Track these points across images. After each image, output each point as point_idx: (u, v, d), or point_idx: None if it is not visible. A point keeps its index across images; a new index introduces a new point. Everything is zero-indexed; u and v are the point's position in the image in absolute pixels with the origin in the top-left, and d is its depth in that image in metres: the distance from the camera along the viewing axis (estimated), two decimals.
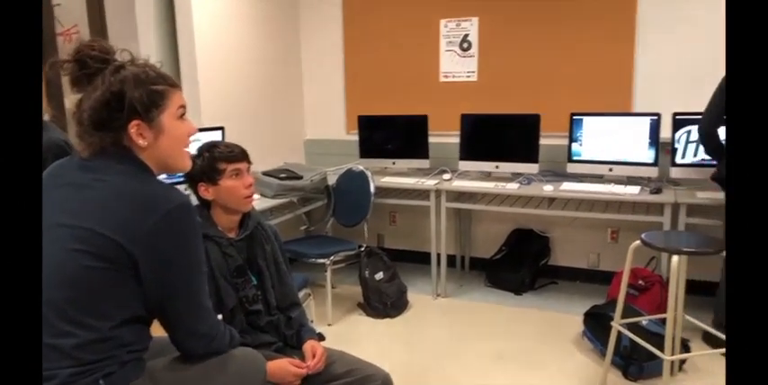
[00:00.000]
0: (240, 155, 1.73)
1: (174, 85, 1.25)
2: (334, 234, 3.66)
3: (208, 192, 1.69)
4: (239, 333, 1.52)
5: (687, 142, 3.11)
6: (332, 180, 3.54)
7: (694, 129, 3.05)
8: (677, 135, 3.10)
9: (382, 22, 3.91)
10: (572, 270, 3.69)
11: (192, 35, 3.18)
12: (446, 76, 3.82)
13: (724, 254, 2.18)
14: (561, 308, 3.27)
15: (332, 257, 3.12)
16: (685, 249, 2.16)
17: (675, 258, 2.14)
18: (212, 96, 3.34)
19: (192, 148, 1.39)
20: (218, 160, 1.69)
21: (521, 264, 3.57)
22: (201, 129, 3.01)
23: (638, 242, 2.30)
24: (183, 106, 1.26)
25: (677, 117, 3.09)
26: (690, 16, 3.20)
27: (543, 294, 3.52)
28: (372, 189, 3.31)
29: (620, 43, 3.37)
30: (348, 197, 3.46)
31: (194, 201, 1.73)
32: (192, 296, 1.20)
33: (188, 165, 1.29)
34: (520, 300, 3.44)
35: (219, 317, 1.42)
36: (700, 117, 2.76)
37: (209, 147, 1.72)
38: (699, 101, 2.93)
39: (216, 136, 3.04)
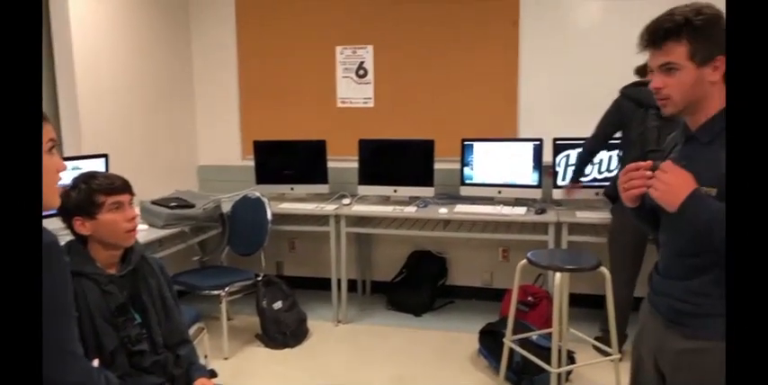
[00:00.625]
0: (121, 186, 1.63)
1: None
2: (230, 263, 3.53)
3: (84, 227, 1.57)
4: (121, 376, 1.41)
5: (567, 165, 3.36)
6: (226, 208, 3.43)
7: (573, 153, 3.31)
8: (558, 159, 3.34)
9: (278, 48, 3.90)
10: (468, 289, 3.82)
11: (70, 61, 2.98)
12: (344, 102, 3.87)
13: (602, 269, 2.35)
14: (459, 326, 3.36)
15: (227, 288, 3.01)
16: (567, 267, 2.31)
17: (558, 275, 2.29)
18: (95, 123, 3.14)
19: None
20: (95, 192, 1.57)
21: (420, 285, 3.64)
22: (81, 157, 2.82)
23: (524, 261, 2.43)
24: (53, 139, 1.17)
25: (557, 142, 3.34)
26: (567, 50, 3.48)
27: (442, 314, 3.61)
28: (270, 216, 3.25)
29: (506, 74, 3.60)
30: (244, 225, 3.37)
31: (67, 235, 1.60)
32: (58, 344, 1.10)
33: (56, 202, 1.20)
34: (420, 322, 3.50)
35: (96, 362, 1.31)
36: (579, 141, 3.07)
37: (85, 179, 1.61)
38: (576, 127, 3.20)
39: (98, 164, 2.86)
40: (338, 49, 3.83)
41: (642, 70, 2.82)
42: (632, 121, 2.73)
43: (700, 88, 1.23)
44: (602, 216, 3.04)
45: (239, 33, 3.96)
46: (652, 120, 2.66)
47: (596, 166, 3.29)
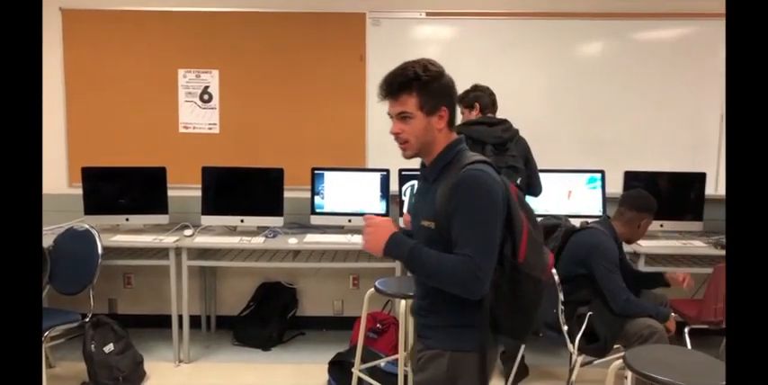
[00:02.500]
0: None
1: None
2: (52, 304, 3.13)
3: None
4: None
5: (411, 194, 3.51)
6: (48, 241, 3.05)
7: (416, 183, 3.48)
8: (403, 188, 3.49)
9: (112, 70, 3.62)
10: (319, 319, 3.78)
11: None
12: (186, 128, 3.68)
13: None
14: (309, 358, 3.30)
15: (47, 333, 2.66)
16: (411, 294, 2.39)
17: (403, 302, 2.35)
18: None
19: None
20: None
21: (268, 318, 3.53)
22: None
23: (372, 290, 2.47)
24: None
25: (402, 172, 3.48)
26: None
27: (292, 347, 3.52)
28: (100, 249, 2.95)
29: (354, 105, 3.70)
30: (69, 260, 3.01)
31: None
32: None
33: None
34: (268, 356, 3.38)
35: None
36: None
37: None
38: (418, 159, 3.36)
39: None
40: (181, 72, 3.66)
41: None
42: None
43: (430, 134, 1.45)
44: None
45: (66, 55, 3.61)
46: (490, 155, 2.86)
47: None
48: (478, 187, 1.36)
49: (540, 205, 3.49)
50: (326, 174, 3.51)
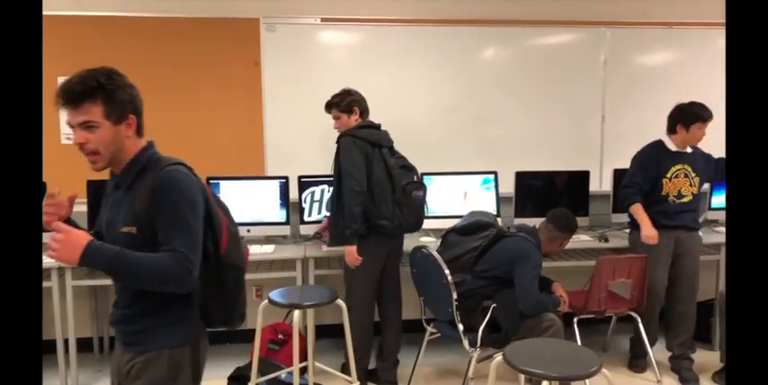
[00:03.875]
0: None
1: None
2: None
3: None
4: None
5: (312, 202, 3.49)
6: None
7: (317, 189, 3.46)
8: (303, 195, 3.46)
9: None
10: (221, 332, 3.64)
11: None
12: (69, 138, 3.46)
13: (338, 302, 2.46)
14: (209, 374, 3.16)
15: None
16: (305, 304, 2.37)
17: (296, 312, 2.33)
18: None
19: None
20: None
21: None
22: None
23: (266, 301, 2.43)
24: None
25: (302, 179, 3.45)
26: (309, 90, 3.64)
27: None
28: None
29: (251, 112, 3.62)
30: None
31: None
32: None
33: None
34: None
35: None
36: (324, 178, 3.19)
37: None
38: (319, 165, 3.36)
39: None
40: (60, 80, 3.43)
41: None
42: (373, 160, 2.86)
43: (119, 142, 1.46)
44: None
45: None
46: (388, 157, 2.91)
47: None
48: (179, 187, 1.42)
49: (438, 206, 3.58)
50: (222, 183, 3.42)
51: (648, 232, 3.02)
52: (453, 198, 3.61)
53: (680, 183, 3.14)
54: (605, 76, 3.87)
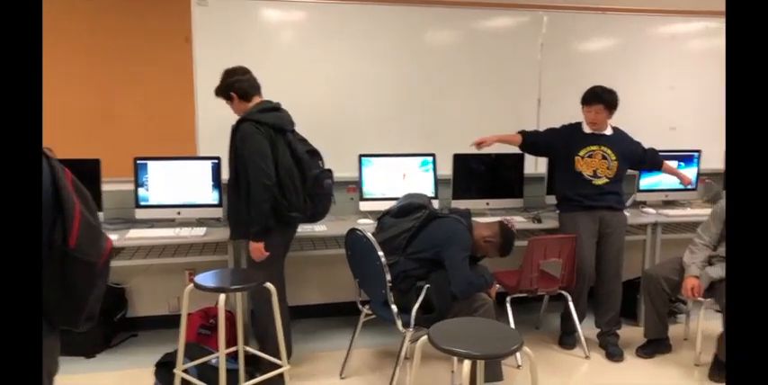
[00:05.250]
0: None
1: None
2: None
3: None
4: None
5: None
6: None
7: None
8: None
9: None
10: (153, 318, 3.55)
11: None
12: None
13: (268, 285, 2.41)
14: (138, 362, 3.08)
15: None
16: (232, 287, 2.31)
17: (222, 296, 2.27)
18: None
19: None
20: None
21: None
22: None
23: (191, 285, 2.35)
24: None
25: None
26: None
27: (121, 351, 3.27)
28: None
29: (181, 89, 3.47)
30: None
31: None
32: None
33: None
34: (93, 363, 3.10)
35: None
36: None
37: None
38: None
39: None
40: None
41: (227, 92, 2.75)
42: (279, 147, 2.66)
43: None
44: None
45: None
46: (294, 142, 2.71)
47: None
48: None
49: (377, 188, 3.56)
50: (150, 163, 3.28)
51: (488, 137, 3.32)
52: (392, 180, 3.59)
53: (595, 164, 3.24)
54: (542, 59, 3.92)
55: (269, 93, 2.92)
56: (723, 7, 4.15)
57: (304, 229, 3.23)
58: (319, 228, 3.26)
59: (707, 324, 3.15)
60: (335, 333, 3.54)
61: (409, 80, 3.75)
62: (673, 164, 3.92)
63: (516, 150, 3.80)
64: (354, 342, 2.99)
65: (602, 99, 3.19)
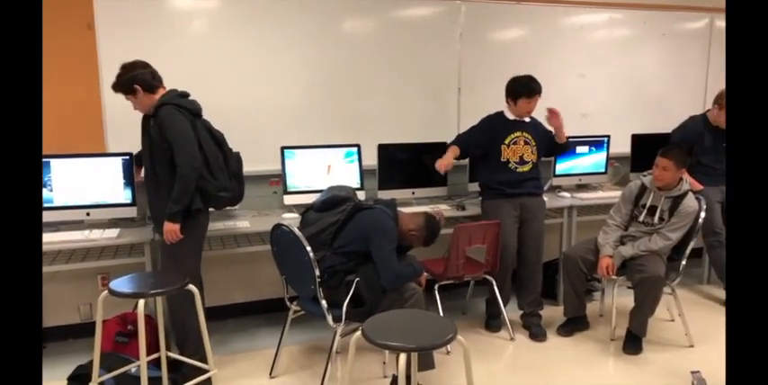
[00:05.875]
0: None
1: None
2: None
3: None
4: None
5: None
6: None
7: None
8: None
9: None
10: (63, 328, 3.31)
11: None
12: None
13: (190, 287, 2.29)
14: (51, 376, 2.85)
15: None
16: (152, 292, 2.18)
17: (141, 302, 2.13)
18: None
19: None
20: None
21: None
22: None
23: (105, 292, 2.20)
24: None
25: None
26: (150, 61, 3.26)
27: None
28: None
29: (85, 80, 3.21)
30: None
31: None
32: None
33: None
34: None
35: None
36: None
37: None
38: None
39: None
40: None
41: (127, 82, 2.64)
42: (200, 130, 2.66)
43: None
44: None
45: None
46: (209, 125, 2.75)
47: None
48: None
49: (301, 181, 3.49)
50: (54, 162, 3.03)
51: (443, 161, 3.29)
52: (316, 172, 3.53)
53: (520, 150, 3.35)
54: (461, 49, 3.97)
55: (181, 82, 2.77)
56: None
57: (226, 226, 3.12)
58: (242, 224, 3.15)
59: (620, 300, 3.34)
60: (263, 332, 3.45)
61: (331, 69, 3.68)
62: (584, 149, 4.11)
63: (440, 139, 3.85)
64: (283, 339, 2.92)
65: (540, 90, 3.28)
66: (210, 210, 2.81)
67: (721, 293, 3.92)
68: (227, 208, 3.13)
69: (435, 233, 2.85)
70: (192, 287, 2.29)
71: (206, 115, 2.82)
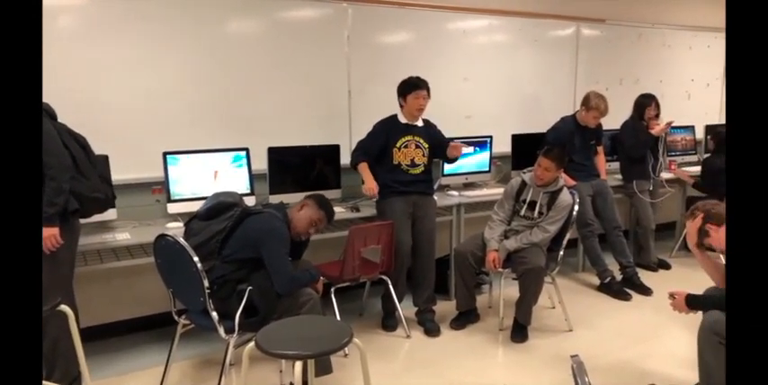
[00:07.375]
0: None
1: None
2: None
3: None
4: None
5: None
6: None
7: None
8: None
9: None
10: None
11: None
12: None
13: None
14: None
15: None
16: None
17: None
18: None
19: None
20: None
21: None
22: None
23: None
24: None
25: None
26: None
27: None
28: None
29: None
30: None
31: None
32: None
33: None
34: None
35: None
36: None
37: None
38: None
39: None
40: None
41: None
42: (61, 132, 2.53)
43: None
44: None
45: None
46: (67, 128, 2.61)
47: None
48: None
49: (186, 188, 3.32)
50: None
51: (369, 185, 3.30)
52: (203, 178, 3.37)
53: (411, 153, 3.44)
54: (350, 52, 3.98)
55: (47, 82, 2.52)
56: (504, 6, 4.60)
57: (104, 239, 2.89)
58: (122, 237, 2.94)
59: (506, 291, 3.53)
60: (151, 349, 3.25)
61: (216, 71, 3.53)
62: (469, 149, 4.28)
63: (332, 142, 3.84)
64: (173, 355, 2.76)
65: (426, 85, 3.37)
66: (82, 221, 2.62)
67: (595, 280, 4.27)
68: (103, 219, 2.91)
69: (330, 205, 2.85)
70: (65, 307, 2.09)
71: (80, 118, 2.63)
